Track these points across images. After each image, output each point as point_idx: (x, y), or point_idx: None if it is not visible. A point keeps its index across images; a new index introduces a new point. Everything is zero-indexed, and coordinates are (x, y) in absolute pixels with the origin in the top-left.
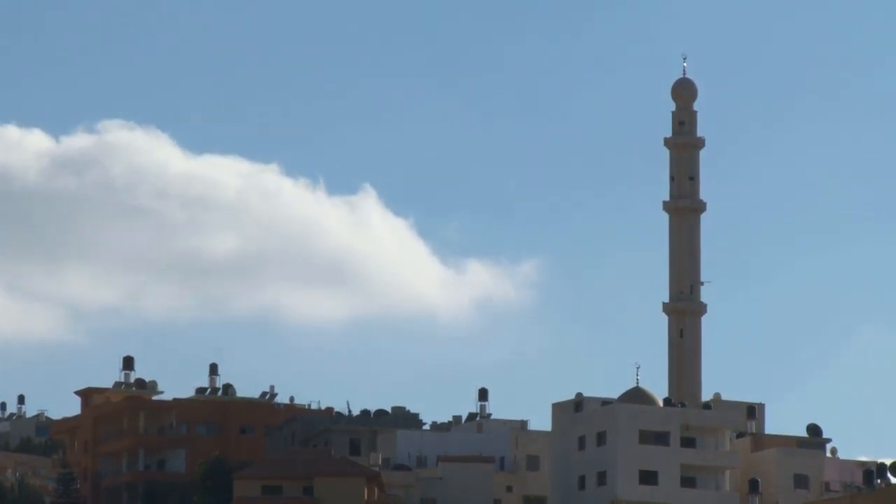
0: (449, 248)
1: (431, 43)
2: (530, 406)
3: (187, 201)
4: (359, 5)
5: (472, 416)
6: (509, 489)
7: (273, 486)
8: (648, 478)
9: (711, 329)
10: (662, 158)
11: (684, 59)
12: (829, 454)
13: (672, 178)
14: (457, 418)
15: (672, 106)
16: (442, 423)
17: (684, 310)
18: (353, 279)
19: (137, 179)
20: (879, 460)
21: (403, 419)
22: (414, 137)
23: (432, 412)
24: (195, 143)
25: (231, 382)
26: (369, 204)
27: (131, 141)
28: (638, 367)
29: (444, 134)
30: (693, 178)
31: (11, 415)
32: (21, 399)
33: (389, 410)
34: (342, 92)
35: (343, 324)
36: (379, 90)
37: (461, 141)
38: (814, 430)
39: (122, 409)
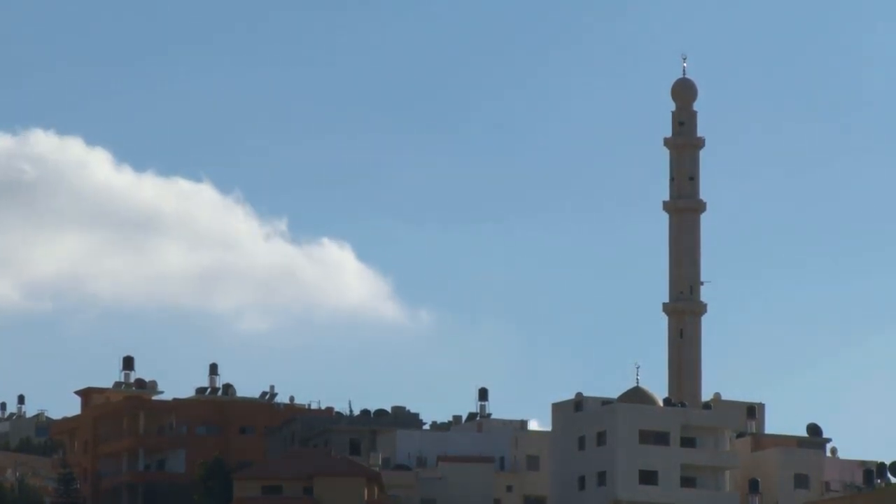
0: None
1: (421, 41)
2: (530, 406)
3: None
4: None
5: (472, 416)
6: (509, 489)
7: (273, 486)
8: (648, 478)
9: (711, 329)
10: (662, 158)
11: (684, 59)
12: (829, 454)
13: (672, 178)
14: (457, 418)
15: (672, 106)
16: (442, 423)
17: (684, 310)
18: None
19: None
20: (879, 460)
21: (403, 419)
22: (390, 141)
23: (432, 412)
24: (123, 155)
25: (231, 382)
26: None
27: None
28: (638, 367)
29: (441, 135)
30: (693, 178)
31: (11, 415)
32: (21, 399)
33: (389, 410)
34: (277, 107)
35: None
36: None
37: (464, 142)
38: (814, 429)
39: (122, 409)
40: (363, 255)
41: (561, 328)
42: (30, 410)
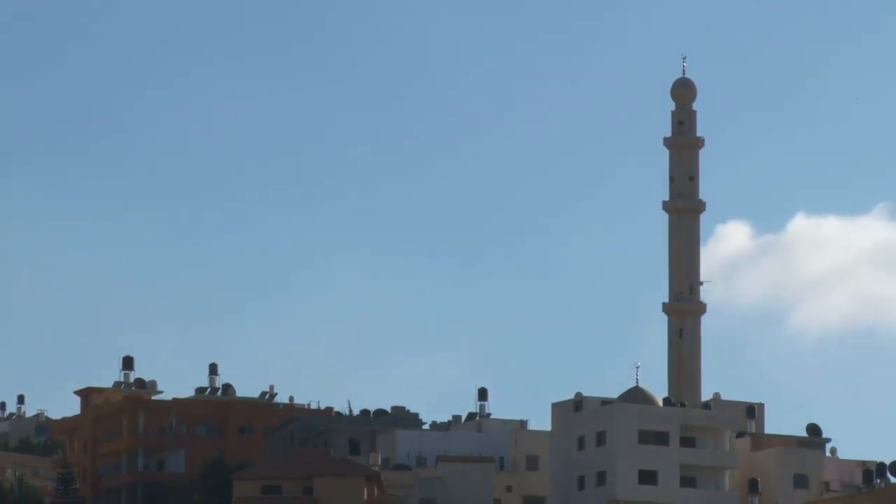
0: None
1: (423, 32)
2: (530, 406)
3: None
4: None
5: (471, 416)
6: (509, 489)
7: (273, 486)
8: (648, 478)
9: (711, 329)
10: (662, 158)
11: (684, 59)
12: (828, 454)
13: (672, 179)
14: (456, 418)
15: (672, 106)
16: (441, 423)
17: (684, 310)
18: None
19: None
20: (879, 460)
21: (403, 419)
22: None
23: (432, 412)
24: None
25: (231, 382)
26: None
27: None
28: (638, 367)
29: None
30: (693, 178)
31: (11, 415)
32: (21, 399)
33: (389, 410)
34: None
35: None
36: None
37: (464, 142)
38: (813, 429)
39: (122, 409)
40: None
41: (561, 328)
42: (30, 410)
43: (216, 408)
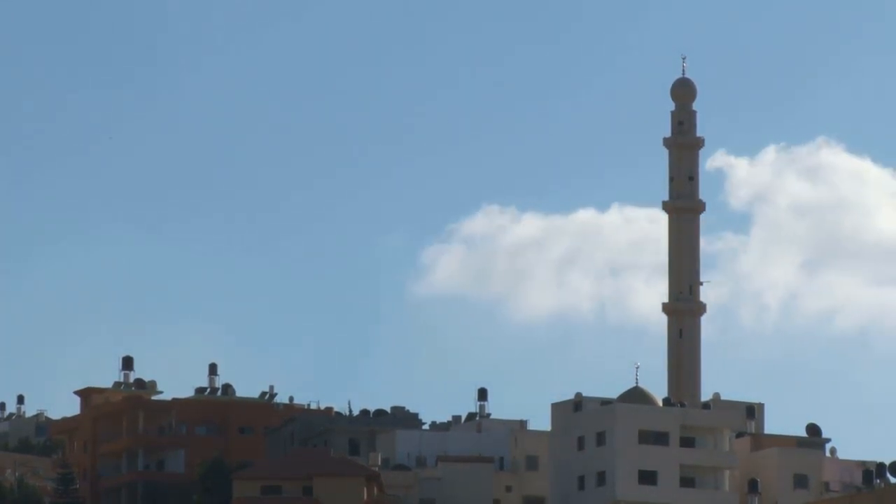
0: None
1: (428, 39)
2: (530, 406)
3: None
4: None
5: (471, 416)
6: (508, 489)
7: (272, 487)
8: (648, 478)
9: (711, 329)
10: (662, 158)
11: (684, 59)
12: (828, 454)
13: (672, 179)
14: (456, 418)
15: (671, 106)
16: (441, 423)
17: (684, 310)
18: None
19: None
20: (879, 460)
21: (403, 419)
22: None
23: (431, 412)
24: None
25: (231, 382)
26: None
27: None
28: (637, 367)
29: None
30: (693, 178)
31: (11, 415)
32: (21, 399)
33: (389, 410)
34: None
35: None
36: None
37: (457, 140)
38: (813, 429)
39: (122, 408)
40: None
41: (560, 328)
42: (29, 410)
43: (216, 408)
